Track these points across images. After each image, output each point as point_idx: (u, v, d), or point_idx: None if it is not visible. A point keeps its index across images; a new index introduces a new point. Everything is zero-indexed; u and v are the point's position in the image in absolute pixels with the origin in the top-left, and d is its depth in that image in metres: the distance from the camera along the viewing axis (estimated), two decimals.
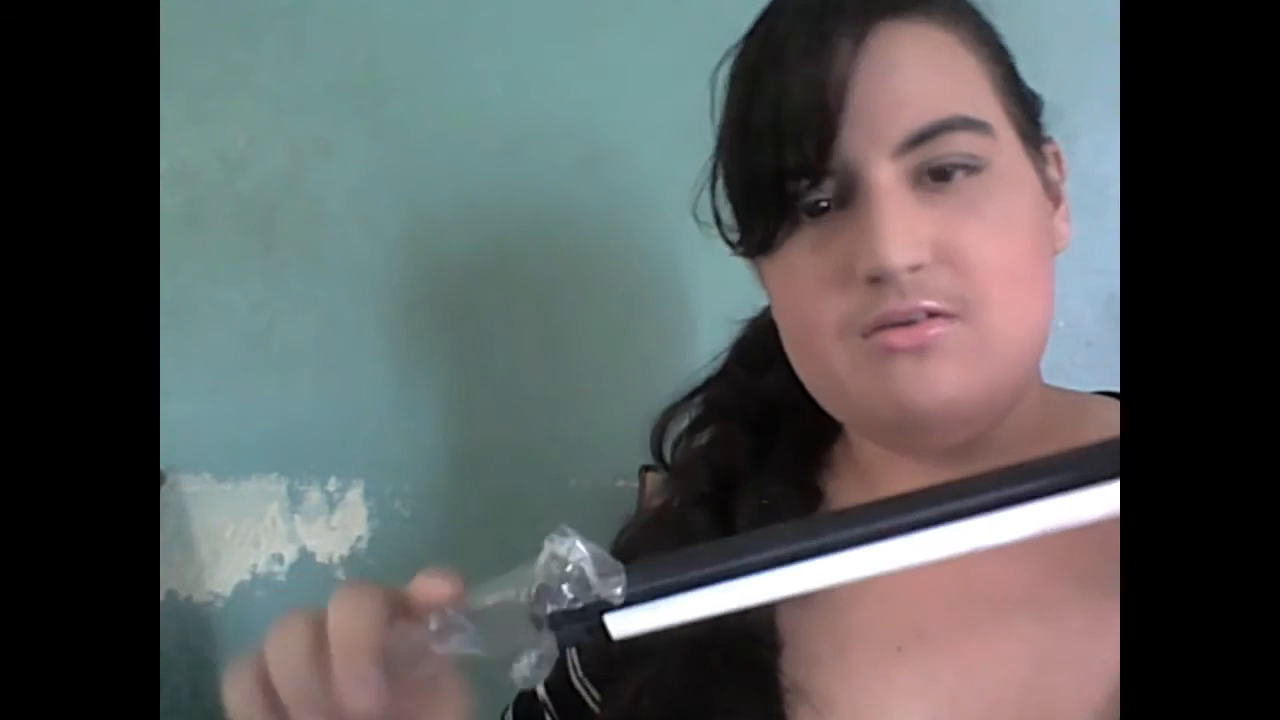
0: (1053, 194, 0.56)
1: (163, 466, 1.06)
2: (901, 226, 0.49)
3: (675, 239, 0.96)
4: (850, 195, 0.51)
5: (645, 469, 0.94)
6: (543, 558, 0.41)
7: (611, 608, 0.41)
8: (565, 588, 0.41)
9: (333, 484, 1.07)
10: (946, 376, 0.50)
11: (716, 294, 0.98)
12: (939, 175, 0.50)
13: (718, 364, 0.66)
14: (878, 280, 0.50)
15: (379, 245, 1.03)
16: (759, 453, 0.62)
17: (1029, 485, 0.40)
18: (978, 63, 0.53)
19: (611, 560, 0.41)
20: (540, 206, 1.01)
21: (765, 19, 0.55)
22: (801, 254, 0.53)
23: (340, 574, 1.07)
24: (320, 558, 1.07)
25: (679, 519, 0.61)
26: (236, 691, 0.43)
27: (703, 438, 0.65)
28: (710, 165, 0.57)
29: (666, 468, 0.66)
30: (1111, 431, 0.39)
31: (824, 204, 0.52)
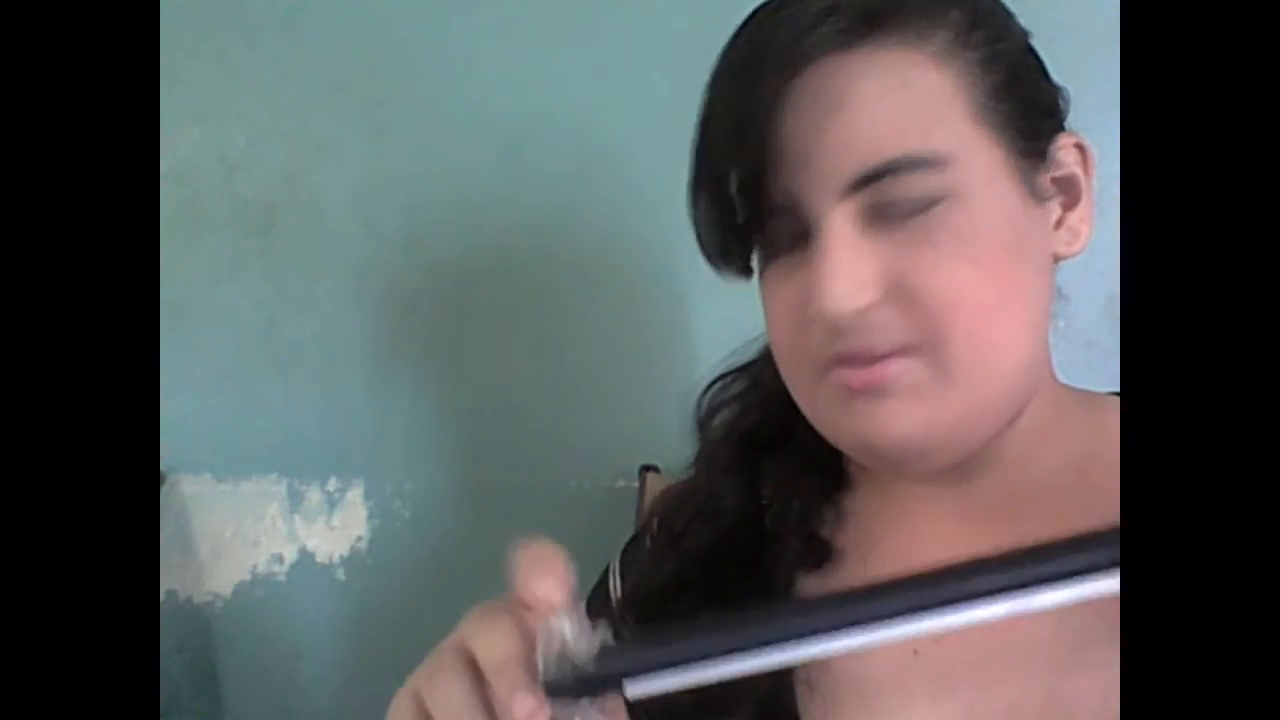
0: (1066, 190, 0.54)
1: (163, 466, 1.06)
2: (846, 271, 0.49)
3: (675, 239, 0.96)
4: (807, 233, 0.51)
5: (645, 469, 0.94)
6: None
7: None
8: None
9: (333, 484, 1.07)
10: (900, 416, 0.50)
11: (715, 294, 0.98)
12: (891, 212, 0.49)
13: (743, 360, 0.66)
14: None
15: (379, 245, 1.03)
16: (787, 424, 0.61)
17: (1028, 573, 0.39)
18: (948, 80, 0.50)
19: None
20: (540, 206, 1.01)
21: (721, 56, 0.53)
22: (776, 285, 0.53)
23: (340, 574, 1.07)
24: (320, 558, 1.07)
25: (710, 484, 0.62)
26: None
27: (735, 407, 0.65)
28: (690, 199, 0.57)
29: (701, 435, 0.66)
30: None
31: (789, 243, 0.52)
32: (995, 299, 0.50)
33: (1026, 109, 0.53)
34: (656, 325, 1.01)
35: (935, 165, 0.49)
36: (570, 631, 0.41)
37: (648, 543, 0.64)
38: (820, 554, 0.57)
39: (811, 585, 0.57)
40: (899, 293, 0.49)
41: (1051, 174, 0.54)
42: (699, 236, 0.55)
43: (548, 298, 1.02)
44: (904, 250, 0.49)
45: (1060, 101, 0.56)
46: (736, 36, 0.53)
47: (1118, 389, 0.58)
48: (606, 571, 0.66)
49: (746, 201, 0.51)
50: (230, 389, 1.06)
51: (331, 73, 1.03)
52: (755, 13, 0.53)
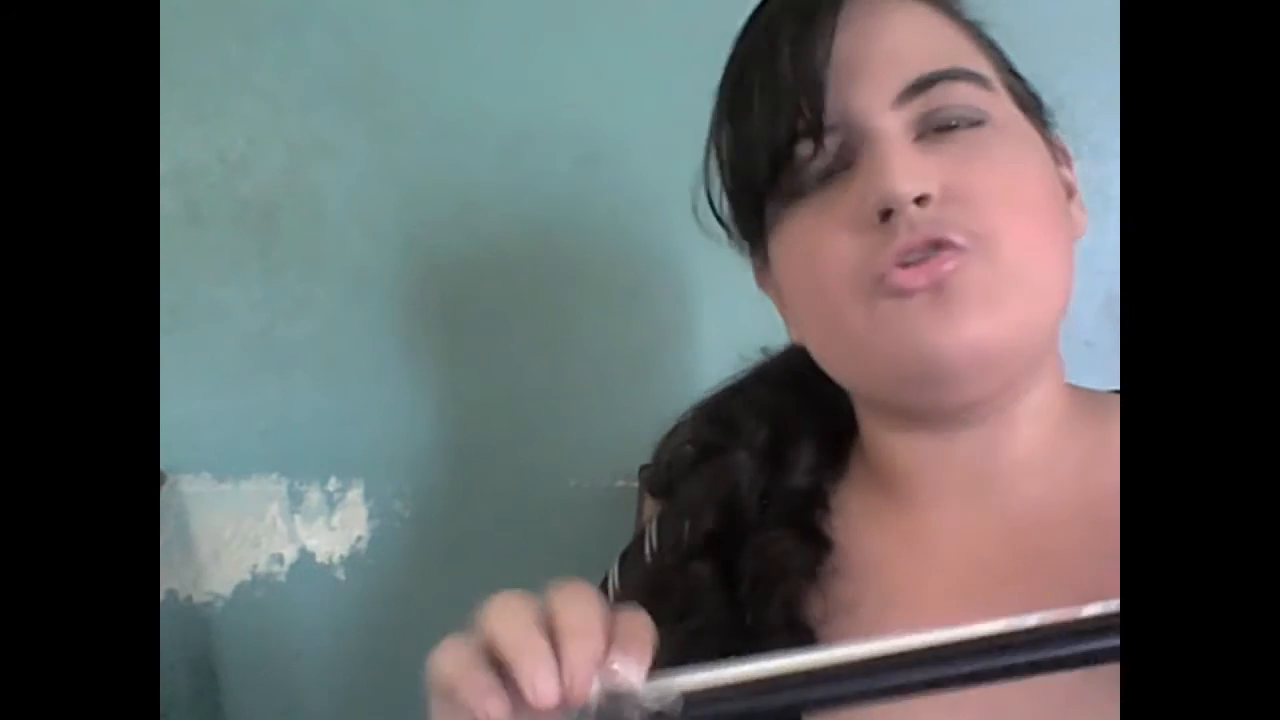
0: (1064, 180, 0.56)
1: (163, 467, 1.06)
2: (908, 161, 0.50)
3: (675, 239, 0.96)
4: (854, 153, 0.52)
5: (645, 469, 0.94)
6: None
7: None
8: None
9: (333, 484, 1.07)
10: (969, 315, 0.49)
11: (716, 294, 0.99)
12: (941, 128, 0.51)
13: (731, 382, 0.64)
14: (887, 217, 0.49)
15: (379, 245, 1.03)
16: (763, 484, 0.59)
17: (1029, 656, 0.39)
18: (969, 37, 0.55)
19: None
20: (540, 206, 1.01)
21: (754, 14, 0.55)
22: (809, 218, 0.53)
23: (340, 574, 1.07)
24: (320, 558, 1.07)
25: (683, 574, 0.58)
26: (451, 660, 0.42)
27: (707, 469, 0.61)
28: (705, 156, 0.57)
29: (666, 492, 0.63)
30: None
31: (827, 171, 0.52)
32: (1041, 219, 0.52)
33: (1025, 85, 0.57)
34: (657, 325, 1.01)
35: (983, 82, 0.52)
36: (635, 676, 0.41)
37: (646, 554, 0.63)
38: (805, 643, 0.53)
39: (818, 625, 0.54)
40: (954, 196, 0.50)
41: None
42: (722, 180, 0.56)
43: (548, 298, 1.02)
44: (957, 159, 0.51)
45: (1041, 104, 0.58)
46: None
47: (1117, 389, 0.58)
48: (605, 580, 0.64)
49: (804, 119, 0.51)
50: (230, 389, 1.06)
51: (331, 73, 1.03)
52: None
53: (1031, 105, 0.56)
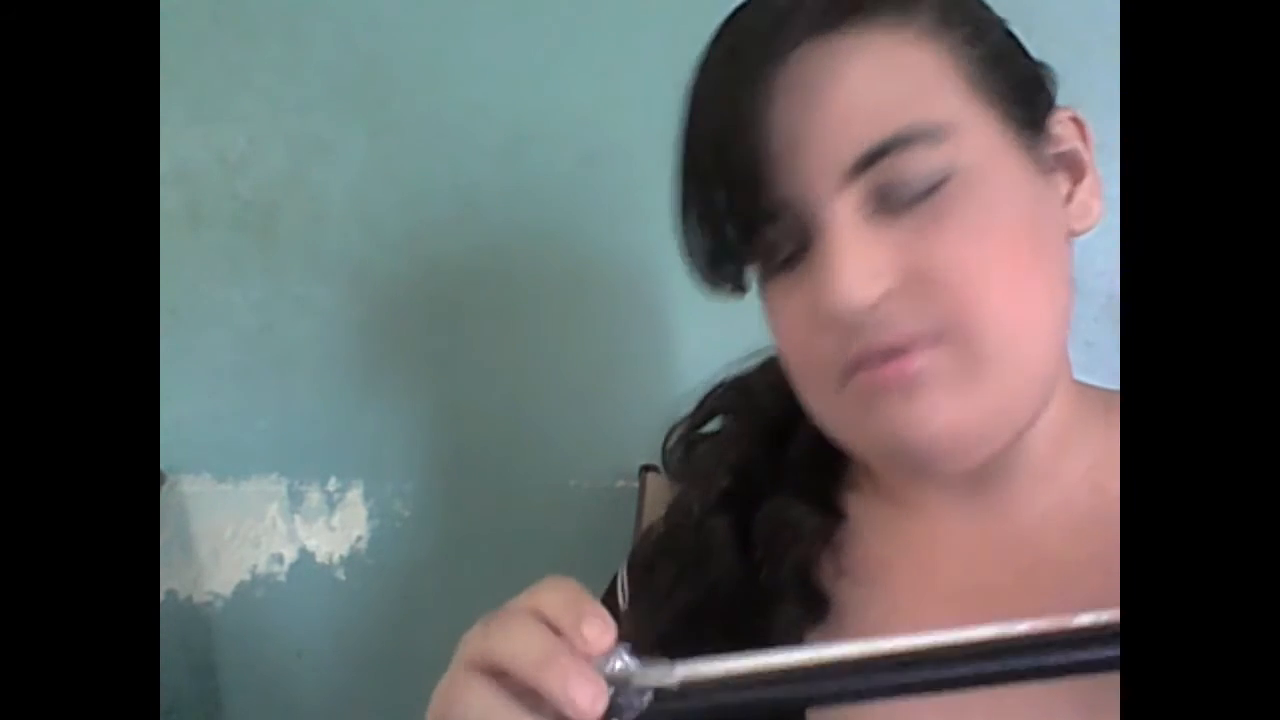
0: (1070, 166, 0.52)
1: (163, 467, 1.06)
2: (855, 262, 0.46)
3: (675, 239, 0.96)
4: (808, 235, 0.48)
5: (645, 469, 0.94)
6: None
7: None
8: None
9: (333, 484, 1.07)
10: (940, 409, 0.47)
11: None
12: (897, 196, 0.47)
13: (734, 373, 0.64)
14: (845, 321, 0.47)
15: (379, 245, 1.03)
16: (776, 455, 0.59)
17: (1030, 661, 0.39)
18: (937, 55, 0.48)
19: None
20: (540, 206, 1.01)
21: (701, 56, 0.51)
22: (779, 298, 0.51)
23: (340, 574, 1.07)
24: (320, 558, 1.07)
25: (698, 529, 0.58)
26: (477, 706, 0.41)
27: (716, 439, 0.62)
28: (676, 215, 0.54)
29: (680, 472, 0.63)
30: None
31: (790, 251, 0.49)
32: (1017, 276, 0.47)
33: (1018, 80, 0.51)
34: (657, 325, 1.00)
35: (938, 137, 0.47)
36: (633, 665, 0.41)
37: (649, 555, 0.62)
38: (820, 611, 0.54)
39: (816, 640, 0.54)
40: (915, 281, 0.46)
41: (1053, 149, 0.52)
42: (689, 255, 0.53)
43: (547, 298, 1.02)
44: (915, 236, 0.46)
45: (1047, 78, 0.54)
46: (716, 34, 0.51)
47: (1117, 388, 0.58)
48: (615, 581, 0.64)
49: (740, 208, 0.48)
50: (230, 389, 1.06)
51: (331, 73, 1.03)
52: (734, 10, 0.51)
53: (1019, 109, 0.51)
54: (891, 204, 0.47)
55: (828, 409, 0.51)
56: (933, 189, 0.47)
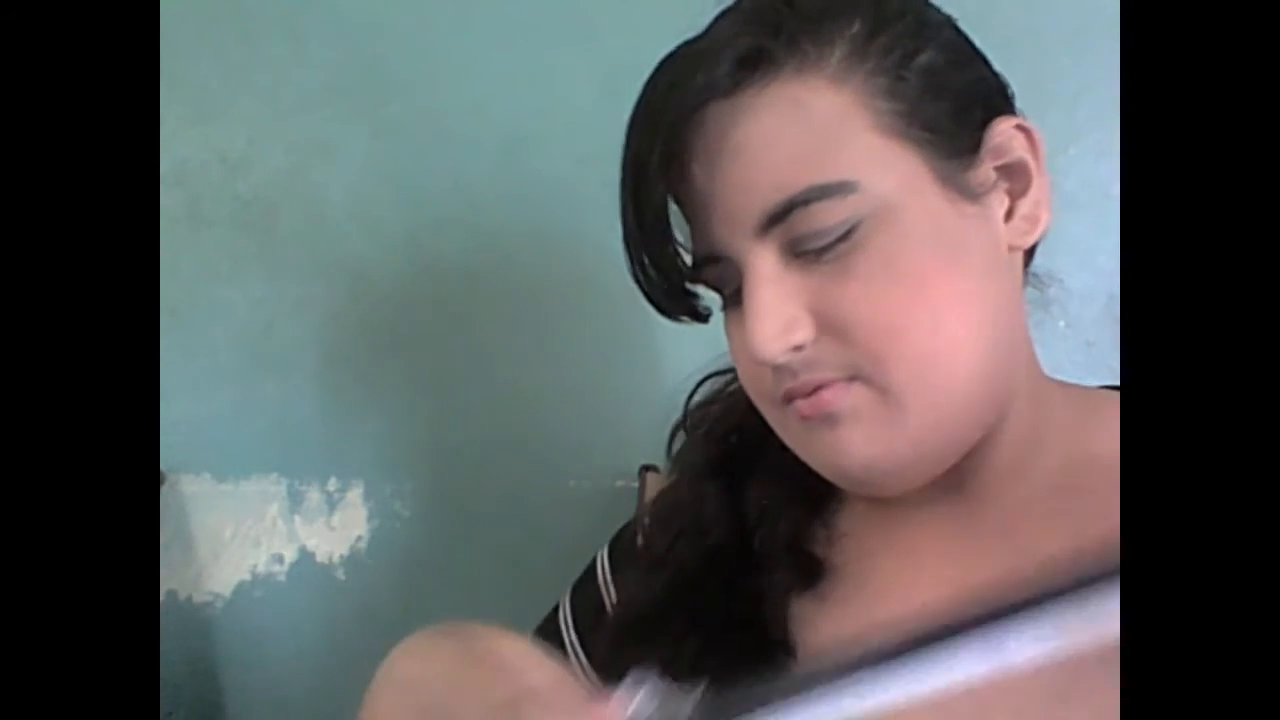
0: (1015, 177, 0.52)
1: (163, 466, 1.06)
2: (771, 314, 0.49)
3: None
4: (740, 277, 0.51)
5: (645, 469, 0.94)
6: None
7: None
8: None
9: (333, 484, 1.07)
10: (855, 442, 0.50)
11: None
12: (808, 246, 0.49)
13: (721, 366, 0.65)
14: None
15: (379, 245, 1.03)
16: (766, 427, 0.59)
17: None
18: (846, 99, 0.48)
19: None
20: (539, 207, 1.01)
21: (634, 107, 0.54)
22: (732, 329, 0.55)
23: (340, 574, 1.07)
24: (320, 558, 1.07)
25: (694, 492, 0.61)
26: None
27: (708, 412, 0.64)
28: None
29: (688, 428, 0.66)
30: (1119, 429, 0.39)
31: (735, 286, 0.52)
32: (932, 316, 0.49)
33: (950, 104, 0.50)
34: (657, 325, 1.00)
35: (841, 191, 0.48)
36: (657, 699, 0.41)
37: (639, 539, 0.63)
38: (813, 573, 0.56)
39: (807, 606, 0.56)
40: (829, 327, 0.49)
41: (994, 163, 0.51)
42: (642, 291, 0.55)
43: (547, 298, 1.02)
44: (827, 283, 0.49)
45: (994, 87, 0.53)
46: (644, 86, 0.53)
47: (1115, 385, 0.58)
48: (594, 563, 0.65)
49: (664, 264, 0.52)
50: (230, 389, 1.06)
51: (331, 73, 1.03)
52: (661, 60, 0.54)
53: (945, 138, 0.50)
54: (806, 253, 0.49)
55: (778, 428, 0.55)
56: (845, 236, 0.48)
